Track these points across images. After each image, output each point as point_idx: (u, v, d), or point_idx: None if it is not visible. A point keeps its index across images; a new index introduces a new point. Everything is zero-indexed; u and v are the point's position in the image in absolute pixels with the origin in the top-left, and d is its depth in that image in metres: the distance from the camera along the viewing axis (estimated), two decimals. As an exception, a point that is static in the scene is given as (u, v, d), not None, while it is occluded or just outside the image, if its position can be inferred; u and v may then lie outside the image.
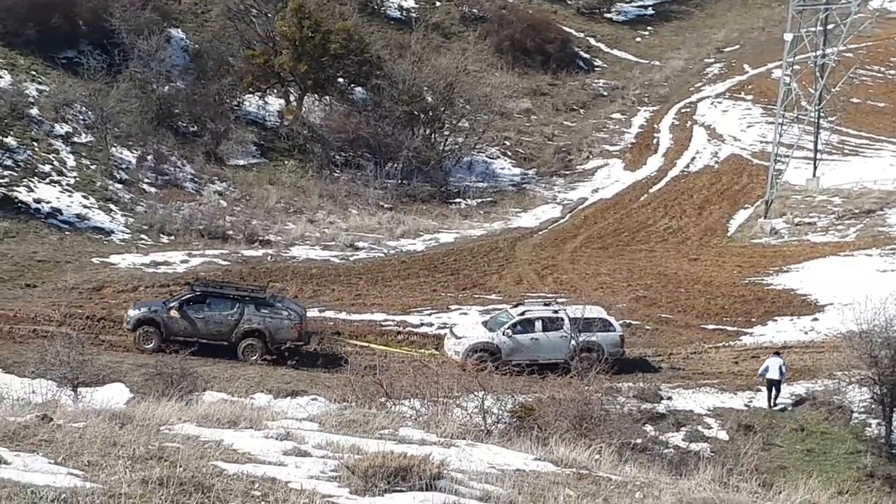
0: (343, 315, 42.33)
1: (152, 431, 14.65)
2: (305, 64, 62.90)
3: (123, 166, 56.64)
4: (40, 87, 59.66)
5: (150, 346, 36.87)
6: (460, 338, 38.58)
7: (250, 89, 65.14)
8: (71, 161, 55.30)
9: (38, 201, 50.91)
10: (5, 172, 51.72)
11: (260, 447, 14.13)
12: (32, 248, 46.40)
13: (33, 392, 30.32)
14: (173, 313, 37.30)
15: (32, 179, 52.48)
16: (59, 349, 31.96)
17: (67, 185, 53.17)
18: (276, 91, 66.90)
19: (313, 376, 35.94)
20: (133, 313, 37.79)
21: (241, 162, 60.86)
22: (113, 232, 50.58)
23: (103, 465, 11.95)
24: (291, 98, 66.54)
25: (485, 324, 39.66)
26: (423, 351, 39.65)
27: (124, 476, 11.16)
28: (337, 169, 61.83)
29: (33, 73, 60.70)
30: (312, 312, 41.74)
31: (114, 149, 57.13)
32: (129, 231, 50.95)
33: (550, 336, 38.19)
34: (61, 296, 41.62)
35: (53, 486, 10.35)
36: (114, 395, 31.11)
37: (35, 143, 55.40)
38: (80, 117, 58.42)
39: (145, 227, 51.32)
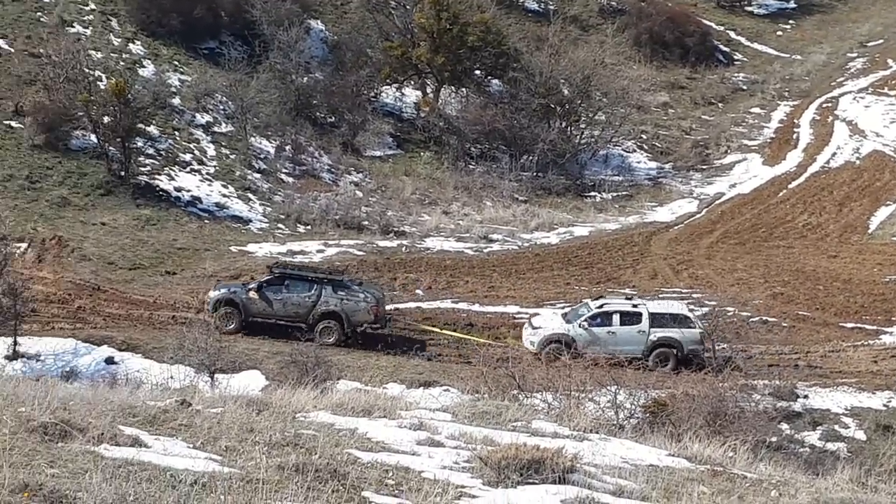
0: (476, 307, 42.39)
1: (288, 418, 14.80)
2: (443, 56, 63.04)
3: (262, 156, 57.38)
4: (182, 77, 60.73)
5: (231, 326, 37.68)
6: (537, 328, 38.60)
7: (388, 81, 65.48)
8: (211, 150, 56.21)
9: (178, 190, 51.81)
10: (147, 161, 52.74)
11: (394, 436, 14.18)
12: (173, 236, 47.25)
13: (171, 377, 31.01)
14: (252, 294, 38.09)
15: (173, 168, 53.44)
16: (198, 336, 32.56)
17: (207, 174, 54.05)
18: (413, 83, 67.14)
19: (445, 367, 36.09)
20: (213, 294, 38.61)
21: (378, 153, 61.21)
22: (251, 221, 51.25)
23: (240, 451, 12.11)
24: (428, 90, 66.72)
25: (564, 315, 39.47)
26: (506, 340, 39.71)
27: (261, 462, 11.29)
28: (472, 161, 61.87)
29: (176, 63, 61.80)
30: (446, 304, 41.90)
31: (253, 139, 57.93)
32: (266, 220, 51.59)
33: (627, 330, 38.00)
34: (200, 283, 42.34)
35: (192, 469, 10.50)
36: (250, 382, 31.60)
37: (176, 133, 56.42)
38: (221, 107, 59.37)
39: (282, 217, 51.92)
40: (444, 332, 40.02)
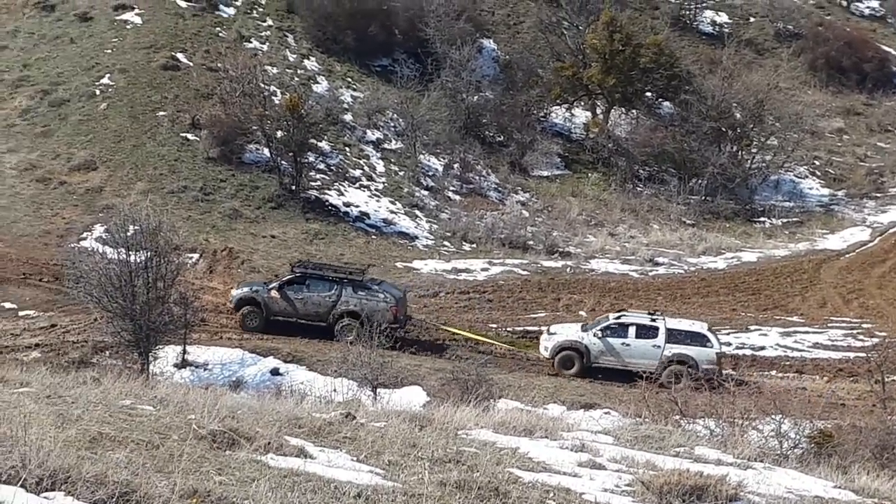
0: (640, 330, 41.98)
1: (450, 435, 14.82)
2: (614, 77, 62.79)
3: (430, 173, 57.82)
4: (355, 93, 61.60)
5: (255, 325, 38.32)
6: (552, 334, 38.50)
7: (557, 101, 65.47)
8: (380, 167, 56.85)
9: (347, 205, 52.49)
10: (318, 176, 53.57)
11: (555, 457, 14.10)
12: (340, 250, 47.84)
13: (335, 390, 31.31)
14: (273, 293, 38.64)
15: (343, 184, 54.18)
16: (361, 350, 32.82)
17: (376, 190, 54.66)
18: (583, 103, 67.01)
19: (607, 390, 35.82)
20: (235, 293, 39.28)
21: (545, 173, 61.20)
22: (417, 237, 51.64)
23: (403, 465, 12.16)
24: (598, 111, 66.53)
25: (583, 326, 39.26)
26: (524, 347, 39.81)
27: (423, 477, 11.32)
28: (640, 183, 61.46)
29: (349, 79, 62.74)
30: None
31: (422, 156, 58.42)
32: (432, 237, 51.93)
33: (642, 343, 37.47)
34: (366, 297, 42.74)
35: (355, 482, 10.59)
36: (412, 398, 31.76)
37: (347, 149, 57.22)
38: (391, 124, 60.04)
39: (448, 234, 52.20)
40: (461, 332, 40.19)
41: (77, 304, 37.78)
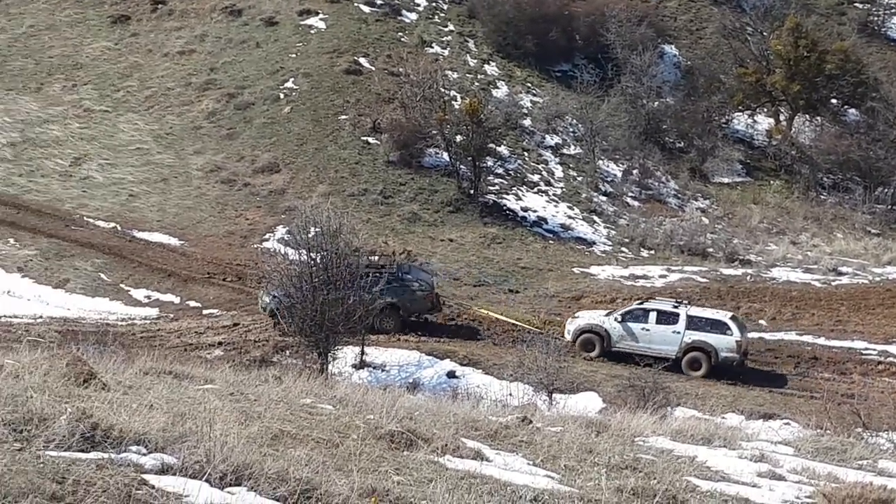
0: (821, 340, 41.06)
1: (627, 442, 14.72)
2: (798, 84, 61.61)
3: (609, 179, 57.54)
4: (534, 98, 61.65)
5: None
6: (576, 318, 38.66)
7: (740, 107, 64.52)
8: (559, 172, 56.78)
9: (525, 210, 52.52)
10: (496, 181, 53.74)
11: (734, 467, 13.89)
12: (517, 255, 47.89)
13: (510, 394, 31.36)
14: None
15: (521, 188, 54.25)
16: (538, 355, 32.79)
17: (554, 195, 54.59)
18: (765, 110, 65.90)
19: (787, 400, 35.14)
20: (267, 300, 37.62)
21: (726, 180, 60.35)
22: (595, 243, 51.40)
23: (579, 471, 12.10)
24: (781, 117, 65.33)
25: (608, 312, 39.21)
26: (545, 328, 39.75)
27: (600, 483, 11.26)
28: (823, 191, 60.16)
29: (529, 84, 62.81)
30: (790, 336, 40.80)
31: (600, 161, 58.16)
32: (610, 243, 51.64)
33: (662, 329, 37.28)
34: (542, 303, 42.74)
35: (532, 486, 10.57)
36: (587, 403, 31.61)
37: (526, 154, 57.28)
38: (570, 129, 59.91)
39: (626, 240, 51.84)
40: (495, 314, 40.12)
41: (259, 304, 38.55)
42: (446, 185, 52.32)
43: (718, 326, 37.34)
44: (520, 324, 40.02)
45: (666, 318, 37.71)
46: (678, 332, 37.25)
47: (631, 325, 37.88)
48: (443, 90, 56.66)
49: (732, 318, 38.30)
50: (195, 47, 63.13)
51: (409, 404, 15.71)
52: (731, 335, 37.16)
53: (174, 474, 8.63)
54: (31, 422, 9.43)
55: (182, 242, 46.55)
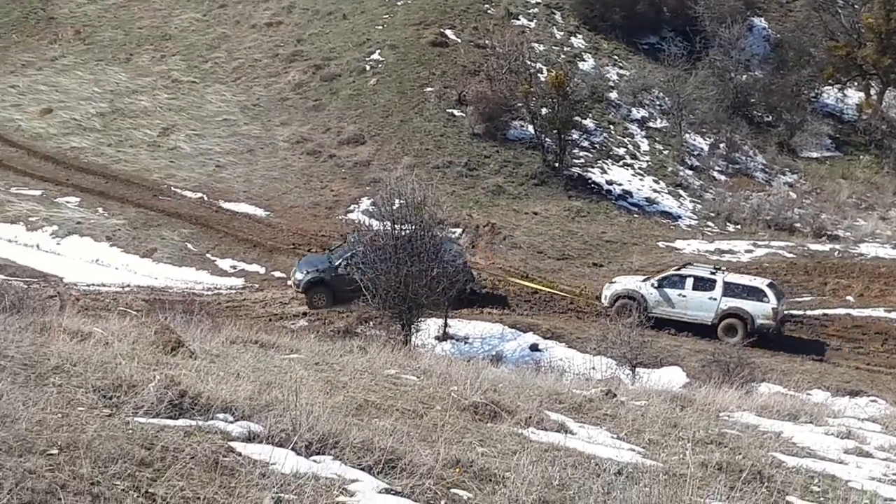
0: (911, 318, 40.51)
1: (712, 417, 14.66)
2: (889, 57, 60.55)
3: (695, 153, 57.05)
4: (621, 71, 61.24)
5: (324, 304, 37.50)
6: (613, 283, 38.67)
7: (829, 81, 63.58)
8: (644, 145, 56.40)
9: (610, 183, 52.27)
10: (581, 154, 53.51)
11: (820, 443, 13.79)
12: (601, 229, 47.68)
13: (593, 368, 31.33)
14: (342, 270, 37.22)
15: (606, 162, 53.97)
16: (621, 329, 32.69)
17: (639, 168, 54.25)
18: (856, 84, 64.92)
19: (874, 377, 34.72)
20: (300, 277, 38.07)
21: (814, 154, 59.57)
22: (680, 217, 51.03)
23: (663, 445, 12.08)
24: (872, 91, 64.32)
25: (645, 277, 39.13)
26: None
27: (685, 457, 11.22)
28: (914, 166, 59.23)
29: (615, 57, 62.40)
30: (878, 312, 40.24)
31: (687, 135, 57.67)
32: (695, 217, 51.25)
33: (699, 295, 37.29)
34: (626, 277, 42.52)
35: (616, 459, 10.56)
36: (671, 378, 31.47)
37: (611, 127, 56.96)
38: (657, 103, 59.46)
39: (712, 215, 51.41)
40: (524, 282, 40.15)
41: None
42: (531, 157, 52.17)
43: (755, 293, 37.31)
44: (542, 288, 40.07)
45: (703, 284, 37.72)
46: (714, 299, 37.30)
47: (668, 290, 37.91)
48: (529, 62, 56.44)
49: (770, 285, 38.16)
50: (282, 19, 63.42)
51: (492, 376, 15.75)
52: (768, 302, 37.09)
53: (260, 442, 8.72)
54: (121, 388, 9.57)
55: (267, 213, 46.88)
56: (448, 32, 59.96)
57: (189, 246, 43.29)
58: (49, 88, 58.77)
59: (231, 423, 9.16)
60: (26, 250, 42.71)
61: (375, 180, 47.05)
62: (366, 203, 46.22)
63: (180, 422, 8.92)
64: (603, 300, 38.60)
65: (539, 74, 56.18)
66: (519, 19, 63.00)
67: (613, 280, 39.65)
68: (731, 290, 37.31)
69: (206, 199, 47.86)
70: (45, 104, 57.05)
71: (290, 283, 39.27)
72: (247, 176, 50.15)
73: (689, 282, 37.91)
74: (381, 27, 60.72)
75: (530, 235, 45.78)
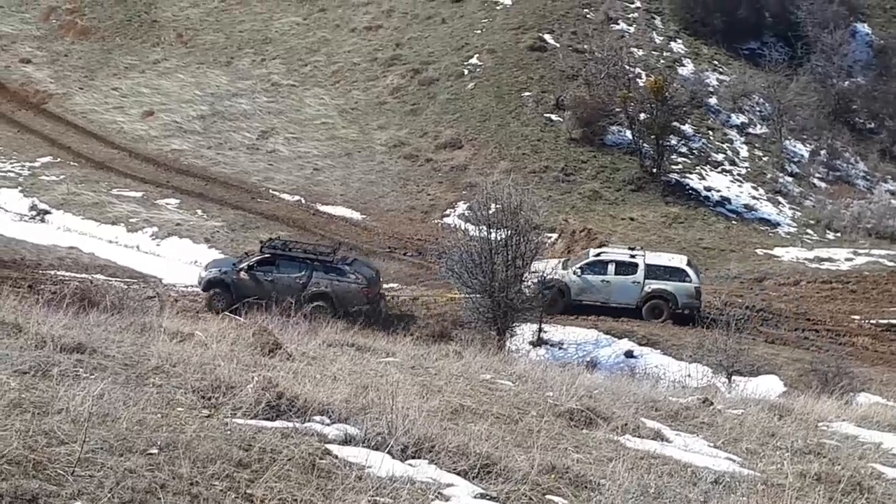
0: None
1: (810, 427, 14.46)
2: None
3: (795, 160, 56.38)
4: (721, 77, 60.72)
5: (221, 307, 34.64)
6: (533, 272, 36.94)
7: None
8: (744, 151, 55.86)
9: (708, 189, 51.84)
10: (679, 159, 53.15)
11: (921, 456, 13.55)
12: (699, 235, 47.29)
13: (689, 375, 31.04)
14: (242, 275, 36.33)
15: (705, 168, 53.53)
16: (718, 336, 32.38)
17: (738, 175, 53.74)
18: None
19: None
20: (204, 274, 37.24)
21: (918, 161, 58.64)
22: (779, 224, 50.47)
23: (761, 454, 11.95)
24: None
25: (564, 263, 38.18)
26: None
27: (783, 467, 11.09)
28: None
29: (715, 62, 61.88)
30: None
31: (787, 142, 57.00)
32: (794, 224, 50.65)
33: (622, 280, 37.08)
34: (723, 284, 42.12)
35: (712, 468, 10.47)
36: (768, 387, 31.09)
37: (710, 132, 56.48)
38: (757, 108, 58.85)
39: (812, 222, 50.78)
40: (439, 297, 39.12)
41: (438, 279, 38.86)
42: (628, 163, 51.93)
43: (678, 274, 37.49)
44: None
45: (625, 268, 37.63)
46: (638, 282, 37.32)
47: (590, 277, 37.66)
48: (627, 67, 56.17)
49: (689, 263, 38.43)
50: (382, 23, 63.76)
51: (588, 383, 15.67)
52: (691, 282, 37.44)
53: (357, 445, 8.77)
54: (219, 389, 9.68)
55: (364, 216, 47.16)
56: (547, 37, 59.87)
57: (286, 248, 43.65)
58: (151, 91, 59.65)
59: (328, 425, 9.22)
60: (127, 251, 43.34)
61: (472, 184, 47.13)
62: (462, 207, 46.31)
63: (277, 423, 8.99)
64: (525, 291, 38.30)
65: (638, 79, 55.89)
66: (618, 24, 62.74)
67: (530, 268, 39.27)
68: (653, 272, 37.40)
69: (303, 201, 48.25)
70: (146, 107, 57.92)
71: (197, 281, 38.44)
72: (344, 179, 50.48)
73: (612, 267, 37.75)
74: (479, 31, 60.80)
75: (627, 241, 45.49)
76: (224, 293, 36.44)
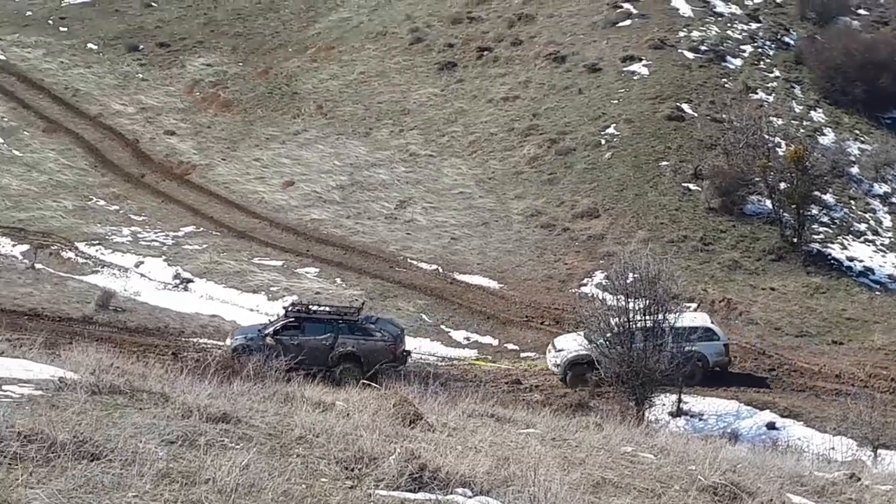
0: None
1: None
2: None
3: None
4: (862, 146, 59.84)
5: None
6: (560, 350, 36.79)
7: None
8: (887, 221, 54.81)
9: (850, 259, 50.90)
10: (821, 229, 52.32)
11: None
12: (841, 306, 46.41)
13: (833, 449, 30.36)
14: (269, 340, 35.98)
15: (846, 237, 52.62)
16: (862, 409, 31.68)
17: (881, 245, 52.70)
18: None
19: None
20: (230, 342, 36.99)
21: None
22: (925, 295, 49.37)
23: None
24: None
25: (586, 335, 36.14)
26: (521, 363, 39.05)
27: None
28: None
29: (857, 132, 61.03)
30: None
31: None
32: (943, 296, 49.47)
33: (651, 346, 34.48)
34: (867, 355, 41.26)
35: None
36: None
37: (852, 202, 55.57)
38: (898, 178, 57.90)
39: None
40: (485, 364, 38.93)
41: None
42: (768, 232, 51.27)
43: (705, 334, 37.37)
44: (486, 365, 39.47)
45: (652, 334, 35.69)
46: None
47: (619, 349, 35.99)
48: (767, 136, 55.58)
49: (712, 321, 38.90)
50: (518, 93, 64.14)
51: (731, 456, 15.45)
52: (719, 340, 37.76)
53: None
54: (362, 460, 9.74)
55: (501, 285, 47.22)
56: (684, 106, 59.65)
57: (424, 317, 43.89)
58: (291, 162, 60.69)
59: (469, 497, 9.22)
60: (267, 319, 43.94)
61: (609, 254, 46.95)
62: (599, 277, 46.12)
63: (420, 496, 9.01)
64: (553, 368, 37.67)
65: (777, 148, 55.28)
66: (757, 93, 62.29)
67: (555, 345, 38.43)
68: (679, 335, 35.90)
69: (440, 270, 48.51)
70: (287, 177, 58.92)
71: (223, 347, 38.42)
72: (481, 248, 50.66)
73: (639, 336, 35.74)
74: (616, 101, 60.81)
75: (767, 311, 44.89)
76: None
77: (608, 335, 33.97)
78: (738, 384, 37.96)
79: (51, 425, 9.28)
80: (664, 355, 33.73)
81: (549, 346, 38.92)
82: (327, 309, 38.26)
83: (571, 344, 37.83)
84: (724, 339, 37.98)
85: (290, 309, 38.30)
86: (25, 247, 50.37)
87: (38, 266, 48.28)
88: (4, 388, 11.69)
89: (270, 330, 37.17)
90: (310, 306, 38.63)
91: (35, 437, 8.95)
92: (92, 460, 8.67)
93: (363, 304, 40.61)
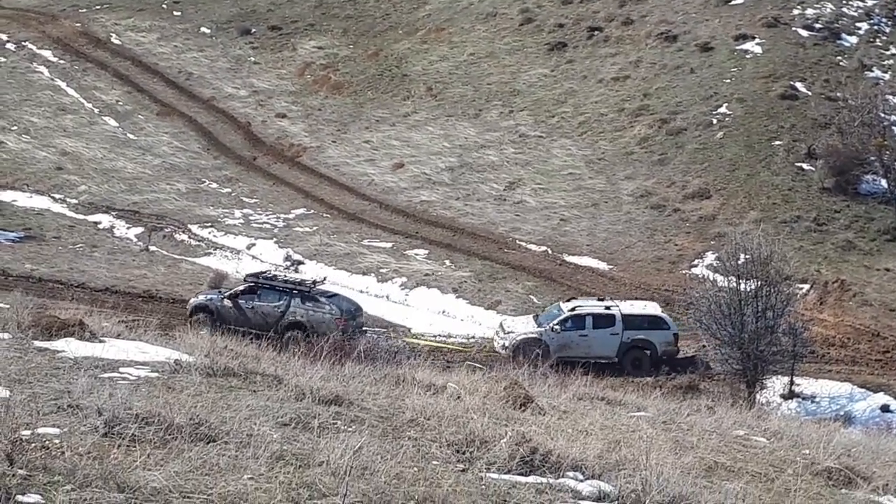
0: None
1: None
2: None
3: None
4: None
5: (203, 332, 34.79)
6: (508, 332, 36.71)
7: None
8: None
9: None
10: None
11: None
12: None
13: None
14: (226, 302, 37.83)
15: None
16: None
17: None
18: None
19: None
20: (192, 301, 38.86)
21: None
22: None
23: None
24: None
25: (535, 318, 37.41)
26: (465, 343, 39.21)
27: None
28: None
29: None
30: None
31: None
32: None
33: (601, 333, 36.28)
34: None
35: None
36: None
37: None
38: None
39: None
40: (421, 341, 38.95)
41: (686, 330, 38.49)
42: (884, 212, 50.36)
43: (655, 322, 37.38)
44: (441, 346, 39.17)
45: (602, 321, 37.35)
46: (616, 334, 37.05)
47: (568, 333, 37.17)
48: (882, 115, 54.59)
49: (663, 309, 38.53)
50: (629, 73, 63.67)
51: (845, 440, 15.25)
52: (669, 329, 37.45)
53: (611, 502, 8.73)
54: (473, 444, 9.79)
55: (610, 267, 47.02)
56: (798, 85, 58.77)
57: (533, 299, 43.82)
58: (401, 143, 60.91)
59: (581, 481, 9.22)
60: (377, 301, 44.26)
61: (720, 235, 46.50)
62: (710, 258, 45.71)
63: (531, 479, 9.04)
64: (500, 350, 37.53)
65: (893, 127, 54.26)
66: (873, 71, 61.12)
67: (503, 327, 38.57)
68: (631, 322, 37.09)
69: (549, 252, 48.42)
70: (396, 159, 59.17)
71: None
72: (590, 230, 50.46)
73: (589, 321, 37.39)
74: (728, 80, 60.09)
75: (882, 293, 44.13)
76: (207, 319, 38.20)
77: (718, 317, 33.72)
78: (850, 367, 37.44)
79: (167, 407, 9.46)
80: (776, 337, 33.44)
81: (497, 329, 39.29)
82: (285, 278, 39.83)
83: (521, 326, 38.43)
84: (673, 328, 37.98)
85: (248, 275, 40.29)
86: (140, 229, 51.28)
87: (152, 248, 49.14)
88: (122, 370, 11.94)
89: (230, 293, 39.09)
90: (266, 274, 40.42)
91: (152, 419, 9.14)
92: (208, 442, 8.82)
93: (324, 279, 41.99)
